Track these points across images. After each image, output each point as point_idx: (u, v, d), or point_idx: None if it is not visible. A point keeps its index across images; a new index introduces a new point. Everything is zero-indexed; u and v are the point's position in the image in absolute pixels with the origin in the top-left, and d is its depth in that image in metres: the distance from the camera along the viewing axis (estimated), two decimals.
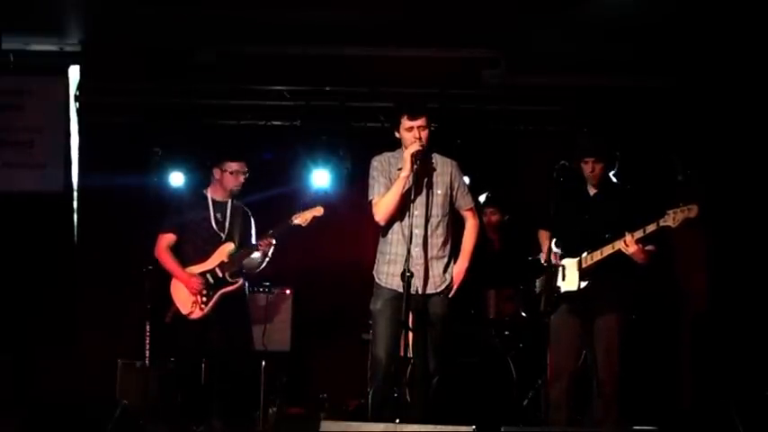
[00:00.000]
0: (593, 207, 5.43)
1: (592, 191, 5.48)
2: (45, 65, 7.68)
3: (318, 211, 6.06)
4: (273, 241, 6.05)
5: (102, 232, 7.60)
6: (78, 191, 7.71)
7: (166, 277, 6.16)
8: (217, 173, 6.15)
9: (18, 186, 7.44)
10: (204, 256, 6.08)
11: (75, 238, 7.72)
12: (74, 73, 7.64)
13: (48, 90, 7.59)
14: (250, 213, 6.27)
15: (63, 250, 7.61)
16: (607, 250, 5.23)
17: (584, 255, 5.32)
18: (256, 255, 6.14)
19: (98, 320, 7.56)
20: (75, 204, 7.74)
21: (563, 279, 5.40)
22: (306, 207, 6.11)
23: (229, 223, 6.12)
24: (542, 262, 5.50)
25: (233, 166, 6.12)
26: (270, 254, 6.15)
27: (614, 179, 5.55)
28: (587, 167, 5.41)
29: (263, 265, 6.21)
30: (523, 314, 6.65)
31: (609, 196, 5.45)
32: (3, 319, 7.23)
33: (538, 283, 5.66)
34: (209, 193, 6.19)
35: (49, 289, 7.48)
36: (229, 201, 6.17)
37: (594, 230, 5.32)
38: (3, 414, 5.94)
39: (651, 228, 5.07)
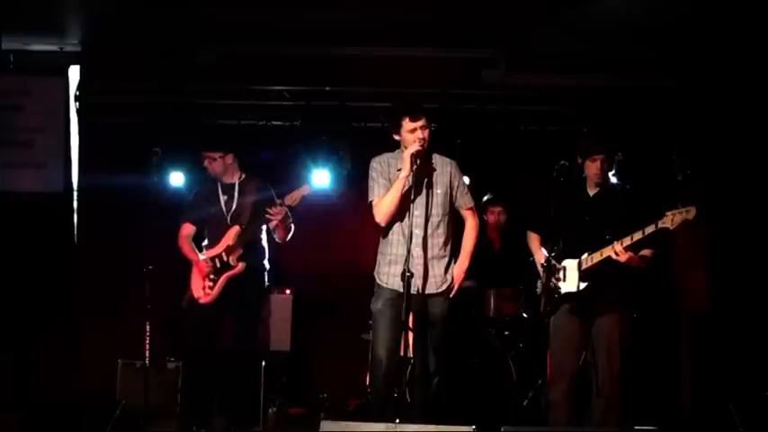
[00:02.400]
0: (593, 208, 5.42)
1: (592, 191, 5.47)
2: (45, 65, 7.67)
3: (305, 190, 6.23)
4: (285, 209, 6.12)
5: (102, 232, 7.60)
6: (78, 191, 7.71)
7: (170, 274, 6.40)
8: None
9: (18, 186, 7.44)
10: (216, 241, 6.26)
11: (75, 238, 7.71)
12: (74, 73, 7.64)
13: (48, 90, 7.57)
14: (268, 185, 6.33)
15: (63, 250, 7.60)
16: (606, 252, 5.23)
17: (585, 256, 5.31)
18: (273, 223, 6.18)
19: (98, 320, 7.56)
20: (75, 204, 7.73)
21: (563, 280, 5.39)
22: (293, 188, 6.24)
23: (237, 204, 6.26)
24: (541, 264, 5.48)
25: (207, 154, 6.30)
26: (289, 220, 6.20)
27: (613, 180, 5.55)
28: (595, 165, 5.39)
29: (291, 231, 6.27)
30: (524, 315, 6.66)
31: (609, 197, 5.45)
32: (3, 320, 7.22)
33: (539, 283, 5.66)
34: (211, 175, 6.39)
35: (49, 289, 7.47)
36: (236, 181, 6.30)
37: (595, 231, 5.31)
38: (3, 414, 5.94)
39: (650, 229, 5.06)
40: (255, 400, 6.63)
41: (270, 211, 6.11)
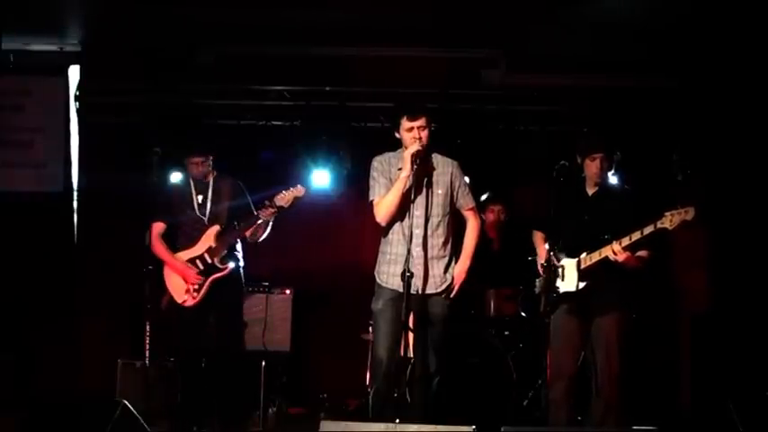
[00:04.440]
0: (592, 207, 5.41)
1: (591, 191, 5.47)
2: (45, 65, 7.67)
3: (299, 191, 6.02)
4: (260, 222, 6.02)
5: (102, 232, 7.60)
6: (78, 191, 7.71)
7: (160, 265, 6.21)
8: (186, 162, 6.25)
9: (18, 186, 7.43)
10: (192, 242, 6.10)
11: (75, 238, 7.71)
12: (74, 73, 7.64)
13: (48, 90, 7.56)
14: (240, 183, 6.22)
15: (63, 250, 7.60)
16: (605, 251, 5.23)
17: (583, 255, 5.31)
18: (260, 222, 6.09)
19: (98, 321, 7.56)
20: (75, 204, 7.73)
21: (562, 279, 5.39)
22: (287, 188, 6.05)
23: (212, 202, 6.12)
24: (541, 264, 5.47)
25: (193, 159, 6.18)
26: (272, 222, 6.10)
27: (612, 180, 5.55)
28: (594, 164, 5.38)
29: (267, 231, 6.17)
30: (523, 314, 6.66)
31: (608, 196, 5.45)
32: (3, 320, 7.22)
33: (537, 283, 5.66)
34: (191, 177, 6.24)
35: (49, 289, 7.46)
36: (210, 180, 6.17)
37: (593, 231, 5.31)
38: (3, 414, 5.94)
39: (648, 230, 5.06)
40: (255, 400, 6.63)
41: (260, 212, 5.98)
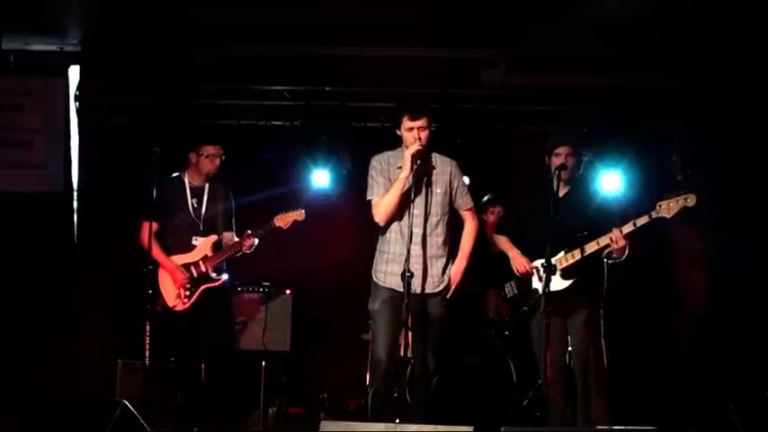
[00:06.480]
0: (564, 207, 5.30)
1: (561, 191, 5.40)
2: (45, 65, 7.68)
3: (299, 215, 6.05)
4: (256, 241, 6.01)
5: (102, 232, 7.59)
6: (78, 191, 7.71)
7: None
8: (193, 157, 6.09)
9: (18, 186, 7.44)
10: (186, 246, 6.04)
11: (75, 238, 7.71)
12: (74, 73, 7.64)
13: (48, 90, 7.57)
14: (231, 194, 6.18)
15: (63, 250, 7.60)
16: (591, 247, 5.21)
17: (562, 254, 5.29)
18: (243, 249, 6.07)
19: (98, 320, 7.56)
20: (75, 204, 7.73)
21: (539, 280, 5.33)
22: (288, 210, 6.08)
23: (206, 209, 6.05)
24: (541, 264, 5.42)
25: (209, 149, 6.05)
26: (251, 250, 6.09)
27: (583, 180, 5.56)
28: (557, 160, 5.32)
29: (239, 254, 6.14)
30: (494, 317, 6.68)
31: (579, 194, 5.43)
32: (3, 320, 7.22)
33: (507, 288, 5.61)
34: (186, 178, 6.12)
35: (49, 289, 7.47)
36: (206, 184, 6.09)
37: (569, 229, 5.27)
38: (3, 414, 5.94)
39: (642, 220, 5.06)
40: (255, 400, 6.61)
41: (243, 242, 5.97)
